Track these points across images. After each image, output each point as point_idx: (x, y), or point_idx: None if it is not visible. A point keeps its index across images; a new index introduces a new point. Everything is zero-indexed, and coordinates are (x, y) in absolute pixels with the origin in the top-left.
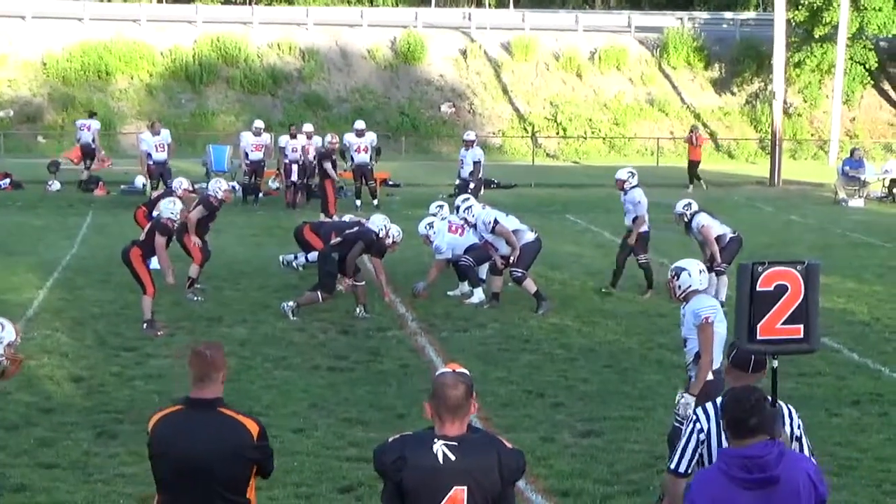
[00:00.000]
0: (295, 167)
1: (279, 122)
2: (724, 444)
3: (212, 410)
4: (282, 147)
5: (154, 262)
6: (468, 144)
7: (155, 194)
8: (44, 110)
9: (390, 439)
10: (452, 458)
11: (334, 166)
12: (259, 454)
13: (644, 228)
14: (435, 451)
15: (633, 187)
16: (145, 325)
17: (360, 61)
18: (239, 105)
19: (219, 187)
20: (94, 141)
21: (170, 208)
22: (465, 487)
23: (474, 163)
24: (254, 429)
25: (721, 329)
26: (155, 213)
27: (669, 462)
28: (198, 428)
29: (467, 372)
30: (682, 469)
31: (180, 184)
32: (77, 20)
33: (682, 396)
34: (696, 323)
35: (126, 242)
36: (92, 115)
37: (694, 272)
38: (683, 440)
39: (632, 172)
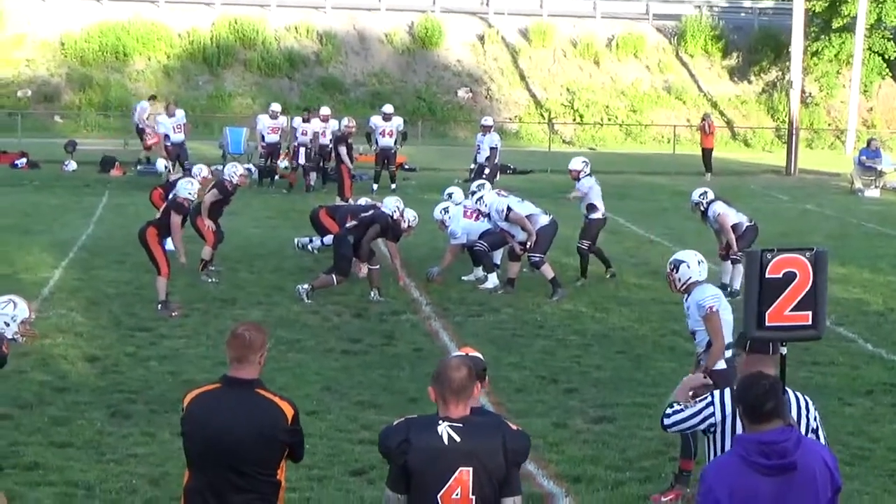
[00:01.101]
0: (303, 150)
1: (296, 106)
2: (738, 431)
3: (248, 390)
4: (294, 128)
5: (169, 243)
6: (486, 129)
7: (172, 177)
8: (61, 90)
9: (395, 422)
10: (457, 439)
11: (349, 151)
12: (292, 437)
13: (598, 216)
14: (440, 432)
15: (587, 176)
16: (160, 305)
17: (377, 45)
18: (256, 87)
19: (234, 171)
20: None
21: (187, 188)
22: (471, 468)
23: (491, 148)
24: (289, 411)
25: (727, 315)
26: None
27: (664, 417)
28: (233, 407)
29: (480, 356)
30: (667, 423)
31: (200, 170)
32: (95, 1)
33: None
34: (701, 314)
35: (142, 223)
36: (151, 98)
37: (693, 264)
38: (690, 411)
39: (585, 162)
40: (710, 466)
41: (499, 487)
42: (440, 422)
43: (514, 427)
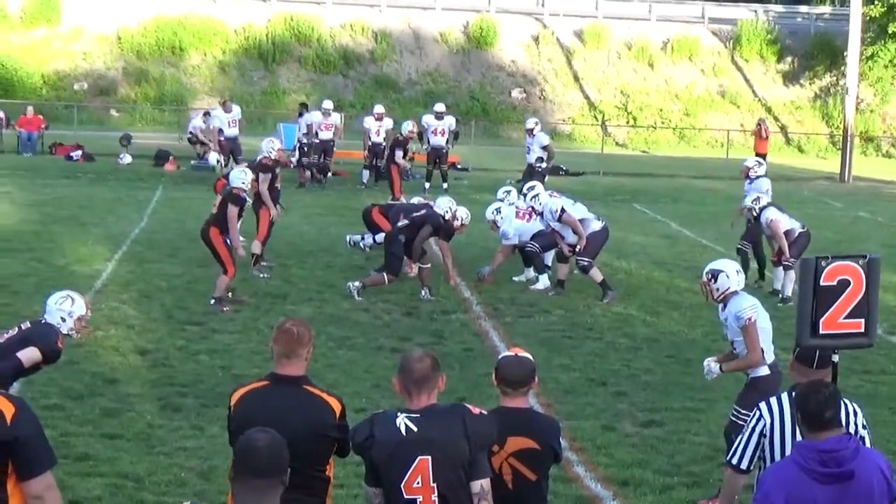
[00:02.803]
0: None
1: (349, 103)
2: (788, 439)
3: (296, 387)
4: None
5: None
6: (529, 132)
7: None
8: (117, 84)
9: (363, 420)
10: (415, 429)
11: (405, 155)
12: (340, 433)
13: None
14: (398, 424)
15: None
16: (213, 300)
17: (431, 44)
18: (310, 84)
19: (272, 147)
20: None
21: (240, 178)
22: (429, 457)
23: (542, 147)
24: (337, 407)
25: (765, 324)
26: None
27: (730, 457)
28: (282, 404)
29: (530, 356)
30: (743, 465)
31: (272, 146)
32: None
33: (711, 363)
34: (739, 325)
35: (198, 219)
36: (205, 114)
37: (731, 273)
38: (745, 435)
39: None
40: (768, 472)
41: (465, 472)
42: (399, 414)
43: (476, 411)
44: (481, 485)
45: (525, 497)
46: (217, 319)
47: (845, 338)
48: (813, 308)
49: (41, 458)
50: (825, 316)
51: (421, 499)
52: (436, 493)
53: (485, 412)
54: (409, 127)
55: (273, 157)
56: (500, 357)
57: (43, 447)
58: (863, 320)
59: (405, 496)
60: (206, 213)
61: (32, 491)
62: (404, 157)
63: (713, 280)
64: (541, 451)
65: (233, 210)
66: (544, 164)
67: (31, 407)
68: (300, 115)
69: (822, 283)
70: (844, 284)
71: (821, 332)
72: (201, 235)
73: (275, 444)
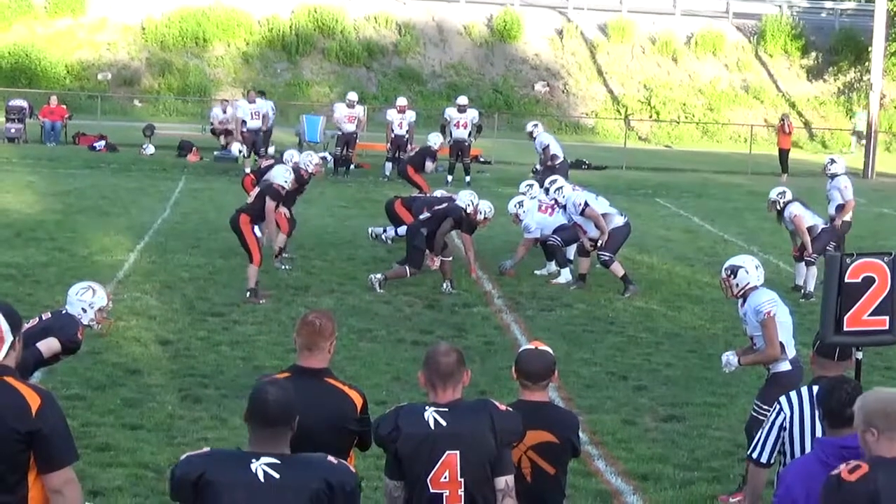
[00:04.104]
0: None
1: (373, 95)
2: (808, 433)
3: (318, 380)
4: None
5: (257, 230)
6: (529, 136)
7: (265, 163)
8: (141, 74)
9: (387, 411)
10: (444, 423)
11: (433, 160)
12: (361, 426)
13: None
14: (426, 418)
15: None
16: (249, 293)
17: (455, 37)
18: (334, 76)
19: (310, 161)
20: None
21: (283, 175)
22: (458, 452)
23: (542, 149)
24: (358, 401)
25: (785, 318)
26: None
27: (751, 451)
28: (304, 396)
29: (550, 350)
30: (763, 459)
31: (291, 155)
32: None
33: (729, 356)
34: (759, 319)
35: (220, 210)
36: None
37: (750, 269)
38: (766, 429)
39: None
40: (790, 468)
41: (491, 468)
42: (427, 408)
43: (503, 407)
44: (506, 481)
45: (543, 490)
46: (238, 311)
47: (870, 335)
48: (838, 305)
49: (63, 453)
50: (850, 313)
51: (448, 493)
52: (462, 489)
53: (510, 409)
54: (438, 140)
55: (310, 171)
56: (520, 350)
57: (66, 441)
58: (888, 317)
59: (431, 490)
60: (229, 203)
61: (52, 485)
62: (432, 160)
63: (732, 276)
64: (559, 445)
65: (270, 204)
66: (538, 167)
67: (57, 400)
68: (251, 102)
69: (846, 280)
70: (869, 281)
71: (845, 329)
72: (230, 222)
73: (283, 397)
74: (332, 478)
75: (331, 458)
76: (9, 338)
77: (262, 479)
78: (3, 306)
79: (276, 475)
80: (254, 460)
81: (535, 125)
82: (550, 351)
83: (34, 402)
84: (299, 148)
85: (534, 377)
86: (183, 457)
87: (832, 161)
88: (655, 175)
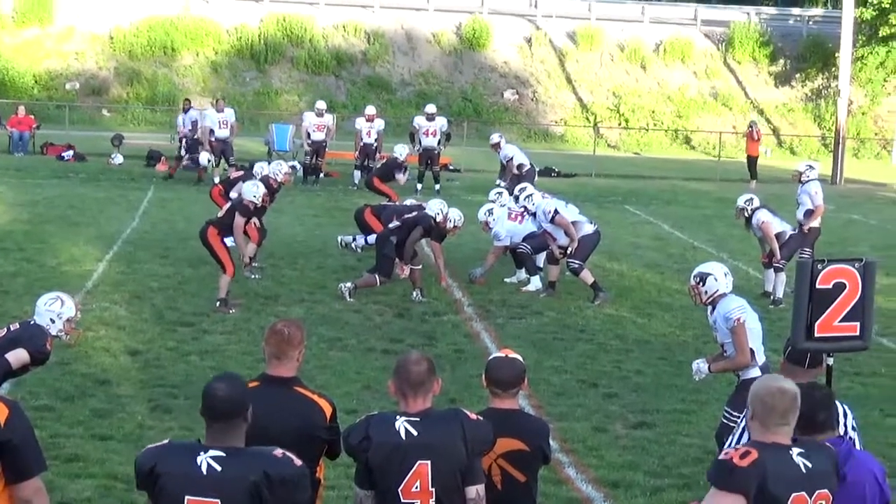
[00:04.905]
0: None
1: (342, 104)
2: None
3: (287, 388)
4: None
5: (230, 241)
6: (494, 147)
7: (234, 174)
8: (109, 84)
9: (357, 420)
10: (415, 433)
11: (403, 172)
12: (331, 434)
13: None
14: (397, 428)
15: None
16: (218, 302)
17: (424, 45)
18: (303, 85)
19: (279, 169)
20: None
21: (253, 191)
22: (429, 462)
23: (506, 160)
24: (327, 409)
25: (754, 324)
26: (233, 195)
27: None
28: (272, 405)
29: (520, 358)
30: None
31: (261, 167)
32: None
33: (699, 363)
34: (728, 326)
35: (189, 220)
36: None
37: (719, 276)
38: (736, 435)
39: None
40: None
41: (462, 477)
42: (397, 417)
43: (474, 417)
44: (477, 490)
45: (514, 498)
46: (208, 320)
47: (841, 341)
48: (809, 311)
49: (31, 463)
50: (821, 319)
51: (419, 503)
52: (433, 498)
53: (481, 417)
54: (405, 151)
55: (279, 180)
56: (489, 358)
57: (34, 451)
58: (858, 324)
59: (402, 500)
60: (198, 213)
61: (21, 495)
62: (404, 174)
63: (701, 283)
64: (530, 453)
65: (240, 220)
66: (500, 182)
67: (24, 410)
68: (185, 110)
69: (817, 287)
70: (840, 288)
71: (816, 335)
72: (199, 235)
73: (232, 392)
74: (271, 469)
75: (277, 451)
76: None
77: (204, 472)
78: None
79: (219, 468)
80: (202, 453)
81: (501, 136)
82: (520, 358)
83: (2, 413)
84: (268, 157)
85: (504, 385)
86: (144, 448)
87: (810, 167)
88: (625, 182)
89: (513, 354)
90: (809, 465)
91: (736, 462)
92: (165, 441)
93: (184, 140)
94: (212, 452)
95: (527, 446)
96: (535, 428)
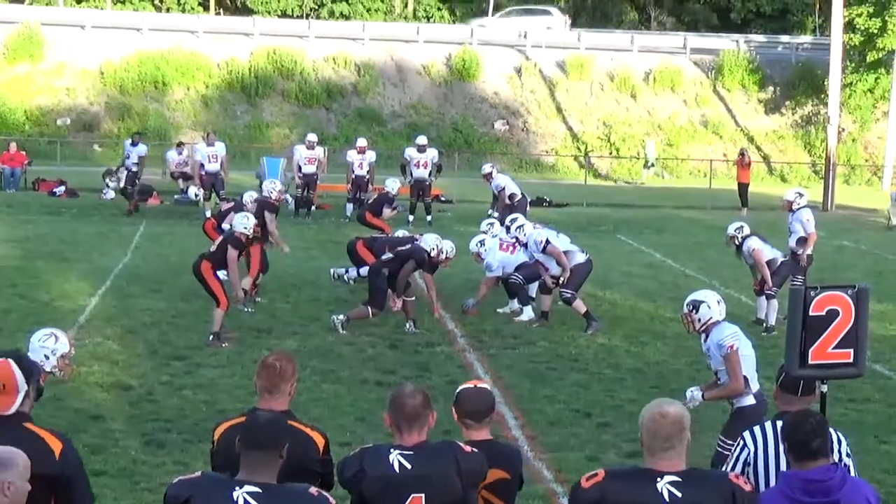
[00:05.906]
0: (126, 173)
1: (333, 136)
2: (772, 468)
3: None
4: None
5: (223, 274)
6: (486, 178)
7: (225, 206)
8: (100, 119)
9: (351, 453)
10: (409, 466)
11: (391, 206)
12: (324, 467)
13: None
14: (391, 461)
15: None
16: (212, 336)
17: (415, 77)
18: (294, 118)
19: (273, 187)
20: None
21: (243, 223)
22: (423, 495)
23: (497, 190)
24: (320, 442)
25: (748, 351)
26: (225, 226)
27: None
28: None
29: (489, 387)
30: None
31: (251, 196)
32: (135, 30)
33: (693, 391)
34: (722, 354)
35: (181, 253)
36: (179, 144)
37: (713, 304)
38: (730, 464)
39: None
40: (755, 502)
41: None
42: (391, 450)
43: (468, 449)
44: None
45: None
46: (201, 354)
47: (834, 368)
48: (802, 338)
49: (84, 496)
50: (814, 346)
51: None
52: None
53: (475, 449)
54: (396, 185)
55: (273, 197)
56: (458, 390)
57: (86, 485)
58: (852, 350)
59: None
60: (191, 247)
61: None
62: (391, 209)
63: (694, 311)
64: (511, 481)
65: (233, 253)
66: (493, 212)
67: (74, 444)
68: (133, 143)
69: (811, 313)
70: (833, 314)
71: (810, 362)
72: (193, 269)
73: (273, 421)
74: None
75: (312, 489)
76: (24, 387)
77: None
78: (15, 356)
79: None
80: (237, 488)
81: (493, 166)
82: (489, 387)
83: (56, 446)
84: (259, 190)
85: (476, 416)
86: (175, 479)
87: (799, 195)
88: (616, 211)
89: (481, 384)
90: (679, 494)
91: (581, 483)
92: (197, 473)
93: (127, 172)
94: (248, 488)
95: (508, 474)
96: (511, 455)
